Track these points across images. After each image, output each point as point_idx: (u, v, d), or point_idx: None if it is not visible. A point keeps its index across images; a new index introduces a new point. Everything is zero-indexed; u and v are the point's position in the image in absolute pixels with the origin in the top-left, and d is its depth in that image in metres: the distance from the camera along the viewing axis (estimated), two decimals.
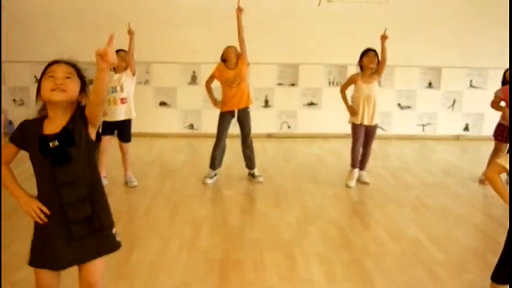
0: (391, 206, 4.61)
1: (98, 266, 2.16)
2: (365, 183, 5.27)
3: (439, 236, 3.89)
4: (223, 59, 5.11)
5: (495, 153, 5.24)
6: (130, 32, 4.84)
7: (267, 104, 7.63)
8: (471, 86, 7.69)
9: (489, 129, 7.61)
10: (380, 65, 5.04)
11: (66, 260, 2.09)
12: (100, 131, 2.18)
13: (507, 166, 2.37)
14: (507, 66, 6.40)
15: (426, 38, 7.38)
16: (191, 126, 7.66)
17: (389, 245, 3.71)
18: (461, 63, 7.57)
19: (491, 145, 5.42)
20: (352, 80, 5.20)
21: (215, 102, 5.22)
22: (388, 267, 3.33)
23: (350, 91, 5.24)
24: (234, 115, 5.17)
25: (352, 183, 5.20)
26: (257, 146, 5.50)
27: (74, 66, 2.09)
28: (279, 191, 5.02)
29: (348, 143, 5.37)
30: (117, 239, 2.20)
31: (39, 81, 2.06)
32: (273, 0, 7.28)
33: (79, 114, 2.04)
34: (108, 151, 5.00)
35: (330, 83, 7.63)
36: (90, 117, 2.04)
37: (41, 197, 2.07)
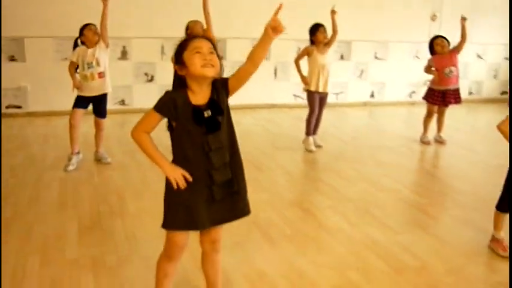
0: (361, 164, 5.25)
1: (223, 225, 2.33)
2: (319, 146, 5.84)
3: (415, 185, 4.62)
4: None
5: (428, 115, 6.12)
6: (104, 0, 4.57)
7: None
8: (376, 57, 8.70)
9: (390, 95, 8.80)
10: (332, 37, 5.60)
11: (207, 220, 2.20)
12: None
13: None
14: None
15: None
16: (122, 102, 7.54)
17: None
18: (367, 37, 8.50)
19: (393, 109, 6.45)
20: (306, 51, 5.65)
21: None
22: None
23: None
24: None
25: (312, 147, 5.73)
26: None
27: (211, 41, 2.17)
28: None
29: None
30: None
31: (180, 55, 2.11)
32: None
33: (221, 86, 2.15)
34: (80, 125, 4.81)
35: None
36: (234, 88, 2.16)
37: (185, 163, 2.13)
